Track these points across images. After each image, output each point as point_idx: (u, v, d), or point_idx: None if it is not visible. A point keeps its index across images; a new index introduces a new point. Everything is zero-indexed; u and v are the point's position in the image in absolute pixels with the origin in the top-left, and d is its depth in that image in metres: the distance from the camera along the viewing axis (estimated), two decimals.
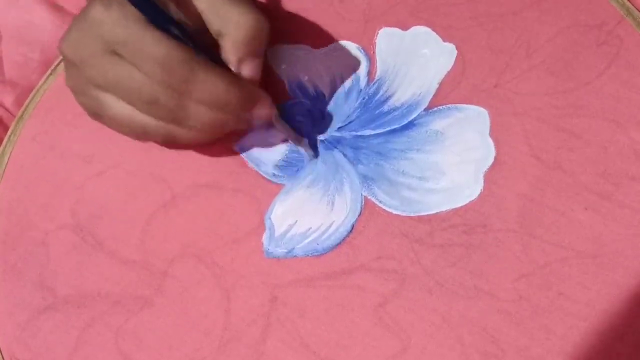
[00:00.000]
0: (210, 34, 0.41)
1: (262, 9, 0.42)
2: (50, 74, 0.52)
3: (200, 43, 0.39)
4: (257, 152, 0.44)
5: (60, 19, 0.55)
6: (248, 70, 0.40)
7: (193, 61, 0.37)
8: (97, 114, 0.41)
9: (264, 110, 0.41)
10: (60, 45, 0.39)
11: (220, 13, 0.39)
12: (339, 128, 0.44)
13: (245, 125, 0.43)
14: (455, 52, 0.44)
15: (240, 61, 0.40)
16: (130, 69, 0.37)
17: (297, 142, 0.43)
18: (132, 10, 0.36)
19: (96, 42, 0.37)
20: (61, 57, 0.52)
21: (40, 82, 0.51)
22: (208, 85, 0.37)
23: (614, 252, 0.37)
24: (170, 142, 0.42)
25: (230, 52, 0.40)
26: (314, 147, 0.44)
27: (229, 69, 0.40)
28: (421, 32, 0.45)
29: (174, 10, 0.39)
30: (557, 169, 0.40)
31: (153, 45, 0.36)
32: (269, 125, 0.43)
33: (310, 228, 0.42)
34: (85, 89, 0.40)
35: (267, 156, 0.44)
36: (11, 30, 0.55)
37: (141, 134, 0.41)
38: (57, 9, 0.55)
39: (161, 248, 0.43)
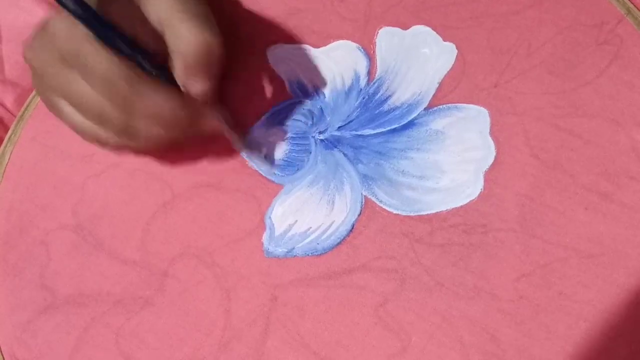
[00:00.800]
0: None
1: (226, 27, 0.42)
2: None
3: (156, 61, 0.39)
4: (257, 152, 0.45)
5: None
6: (195, 89, 0.40)
7: (135, 79, 0.37)
8: (58, 117, 0.42)
9: (211, 126, 0.42)
10: (23, 51, 0.40)
11: (174, 30, 0.39)
12: (339, 127, 0.44)
13: (195, 137, 0.43)
14: (456, 51, 0.44)
15: (187, 80, 0.40)
16: (79, 81, 0.38)
17: (254, 159, 0.44)
18: (80, 26, 0.37)
19: (52, 51, 0.38)
20: None
21: None
22: (151, 104, 0.38)
23: (614, 252, 0.37)
24: (123, 151, 0.43)
25: (177, 70, 0.39)
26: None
27: (178, 88, 0.40)
28: (421, 32, 0.45)
29: (128, 27, 0.39)
30: (557, 168, 0.40)
31: (96, 61, 0.37)
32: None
33: (310, 228, 0.42)
34: (46, 93, 0.41)
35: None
36: (12, 31, 0.55)
37: (94, 142, 0.42)
38: (57, 8, 0.55)
39: (161, 248, 0.43)
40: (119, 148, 0.42)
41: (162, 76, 0.39)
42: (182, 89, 0.40)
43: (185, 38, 0.38)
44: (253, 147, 0.44)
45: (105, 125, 0.39)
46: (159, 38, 0.39)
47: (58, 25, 0.37)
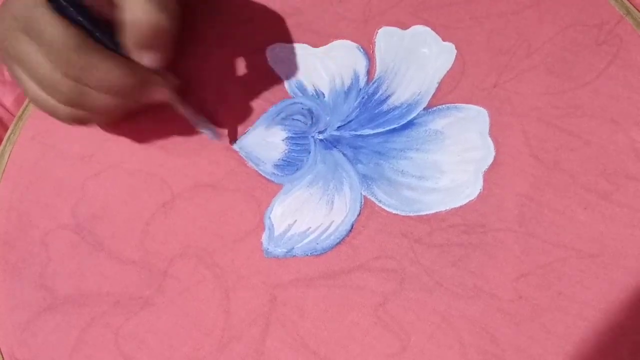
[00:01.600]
0: None
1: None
2: None
3: (109, 30, 0.40)
4: (256, 151, 0.44)
5: None
6: (144, 61, 0.41)
7: (88, 47, 0.38)
8: (20, 86, 0.43)
9: (160, 94, 0.42)
10: None
11: (127, 3, 0.39)
12: (339, 127, 0.44)
13: (146, 105, 0.44)
14: (455, 51, 0.44)
15: (136, 53, 0.41)
16: (35, 51, 0.38)
17: (198, 124, 0.44)
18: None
19: (10, 20, 0.39)
20: None
21: None
22: (102, 72, 0.39)
23: (613, 252, 0.37)
24: (78, 123, 0.43)
25: (128, 42, 0.40)
26: (313, 144, 0.44)
27: (127, 57, 0.41)
28: (421, 32, 0.45)
29: None
30: (557, 168, 0.40)
31: (49, 30, 0.37)
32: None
33: (310, 228, 0.42)
34: (7, 61, 0.42)
35: (267, 155, 0.44)
36: None
37: (49, 113, 0.42)
38: None
39: (161, 248, 0.43)
40: (73, 119, 0.42)
41: (113, 45, 0.40)
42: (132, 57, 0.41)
43: (136, 13, 0.39)
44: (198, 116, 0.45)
45: (57, 95, 0.40)
46: (112, 5, 0.40)
47: None
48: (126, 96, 0.41)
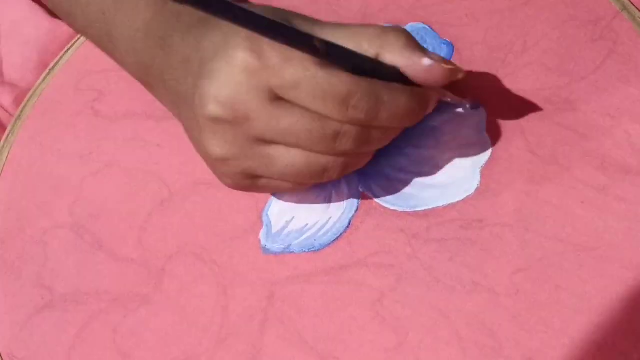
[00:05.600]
0: None
1: None
2: (48, 73, 0.52)
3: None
4: None
5: (56, 20, 0.55)
6: (426, 61, 0.36)
7: (375, 88, 0.34)
8: (254, 177, 0.38)
9: (433, 105, 0.39)
10: (209, 108, 0.34)
11: (364, 35, 0.35)
12: None
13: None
14: (452, 48, 0.44)
15: (417, 55, 0.36)
16: (303, 112, 0.34)
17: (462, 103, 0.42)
18: (288, 48, 0.33)
19: (258, 92, 0.33)
20: (59, 57, 0.52)
21: (38, 82, 0.52)
22: (394, 106, 0.35)
23: (610, 246, 0.37)
24: (346, 173, 0.38)
25: (399, 57, 0.35)
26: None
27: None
28: (418, 29, 0.46)
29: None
30: (554, 163, 0.40)
31: (333, 84, 0.33)
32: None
33: (307, 224, 0.42)
34: (247, 149, 0.35)
35: None
36: (10, 31, 0.55)
37: (320, 176, 0.37)
38: None
39: (159, 246, 0.43)
40: (345, 171, 0.38)
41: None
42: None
43: (384, 31, 0.35)
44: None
45: (341, 147, 0.35)
46: None
47: (261, 59, 0.33)
48: (415, 119, 0.37)
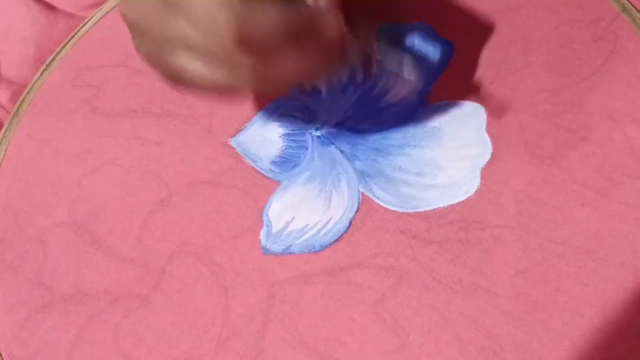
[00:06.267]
0: None
1: None
2: (45, 70, 0.51)
3: None
4: (253, 148, 0.44)
5: (53, 16, 0.54)
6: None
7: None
8: (177, 78, 0.36)
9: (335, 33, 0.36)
10: (120, 9, 0.35)
11: None
12: (336, 124, 0.44)
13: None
14: (453, 48, 0.44)
15: None
16: (183, 23, 0.32)
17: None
18: None
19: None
20: (56, 53, 0.52)
21: (35, 78, 0.51)
22: (266, 19, 0.32)
23: (610, 248, 0.38)
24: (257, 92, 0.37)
25: None
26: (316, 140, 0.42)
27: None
28: (418, 28, 0.45)
29: None
30: (554, 165, 0.40)
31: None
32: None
33: (308, 225, 0.42)
34: (159, 51, 0.35)
35: (264, 152, 0.44)
36: (6, 28, 0.55)
37: (225, 91, 0.35)
38: (51, 6, 0.55)
39: (159, 245, 0.43)
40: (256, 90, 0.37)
41: None
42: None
43: None
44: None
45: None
46: None
47: None
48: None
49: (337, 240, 0.41)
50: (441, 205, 0.40)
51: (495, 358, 0.36)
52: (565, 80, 0.42)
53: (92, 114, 0.49)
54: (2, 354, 0.42)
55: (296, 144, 0.44)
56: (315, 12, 0.35)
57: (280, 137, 0.45)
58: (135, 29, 0.35)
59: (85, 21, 0.53)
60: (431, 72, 0.42)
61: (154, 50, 0.35)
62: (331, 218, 0.41)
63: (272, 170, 0.44)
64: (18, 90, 0.53)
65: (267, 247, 0.42)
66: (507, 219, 0.39)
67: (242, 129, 0.45)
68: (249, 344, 0.39)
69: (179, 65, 0.34)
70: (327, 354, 0.38)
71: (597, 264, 0.37)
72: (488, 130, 0.42)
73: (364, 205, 0.41)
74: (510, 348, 0.36)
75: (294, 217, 0.42)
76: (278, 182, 0.43)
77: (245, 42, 0.32)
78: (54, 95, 0.50)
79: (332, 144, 0.44)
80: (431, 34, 0.45)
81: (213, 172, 0.44)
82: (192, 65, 0.34)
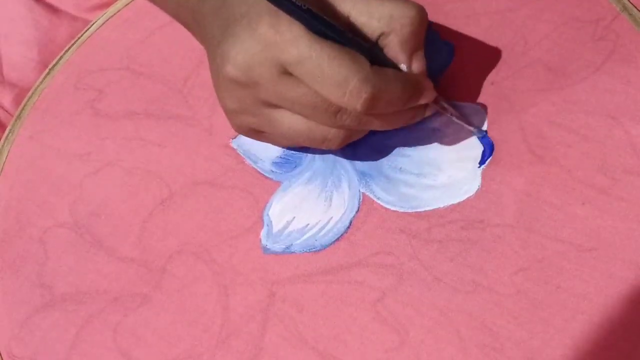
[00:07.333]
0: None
1: None
2: (48, 73, 0.52)
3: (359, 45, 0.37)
4: (254, 149, 0.45)
5: (56, 18, 0.55)
6: (418, 64, 0.39)
7: (371, 77, 0.35)
8: (259, 131, 0.40)
9: (429, 97, 0.39)
10: (227, 68, 0.37)
11: (377, 13, 0.37)
12: None
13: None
14: (453, 49, 0.45)
15: (410, 57, 0.38)
16: (308, 88, 0.36)
17: (462, 120, 0.42)
18: (302, 27, 0.35)
19: (270, 63, 0.36)
20: (59, 56, 0.52)
21: (38, 81, 0.52)
22: (388, 93, 0.36)
23: (611, 246, 0.37)
24: (347, 143, 0.40)
25: (399, 50, 0.38)
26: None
27: (395, 66, 0.38)
28: None
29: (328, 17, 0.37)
30: (555, 164, 0.40)
31: (331, 67, 0.35)
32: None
33: (308, 224, 0.42)
34: (254, 109, 0.39)
35: (265, 152, 0.44)
36: (9, 31, 0.55)
37: (319, 143, 0.39)
38: (54, 9, 0.55)
39: (159, 245, 0.43)
40: (345, 142, 0.40)
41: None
42: (404, 67, 0.38)
43: (399, 15, 0.37)
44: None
45: (340, 122, 0.37)
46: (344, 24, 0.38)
47: (277, 34, 0.35)
48: (406, 106, 0.38)
49: (337, 239, 0.41)
50: (442, 205, 0.40)
51: (496, 356, 0.36)
52: (565, 80, 0.42)
53: (94, 116, 0.49)
54: (2, 353, 0.42)
55: None
56: (421, 83, 0.39)
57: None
58: (240, 87, 0.38)
59: (89, 25, 0.53)
60: (432, 73, 0.42)
61: (251, 106, 0.38)
62: (332, 218, 0.41)
63: (273, 171, 0.44)
64: (21, 93, 0.53)
65: (268, 247, 0.42)
66: (507, 218, 0.39)
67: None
68: (249, 342, 0.39)
69: (275, 120, 0.39)
70: (327, 353, 0.38)
71: (598, 261, 0.37)
72: (488, 130, 0.42)
73: (365, 205, 0.41)
74: (511, 345, 0.36)
75: (294, 217, 0.42)
76: (279, 183, 0.43)
77: (374, 107, 0.36)
78: (56, 97, 0.51)
79: None
80: (431, 36, 0.45)
81: (214, 173, 0.44)
82: (293, 119, 0.38)
